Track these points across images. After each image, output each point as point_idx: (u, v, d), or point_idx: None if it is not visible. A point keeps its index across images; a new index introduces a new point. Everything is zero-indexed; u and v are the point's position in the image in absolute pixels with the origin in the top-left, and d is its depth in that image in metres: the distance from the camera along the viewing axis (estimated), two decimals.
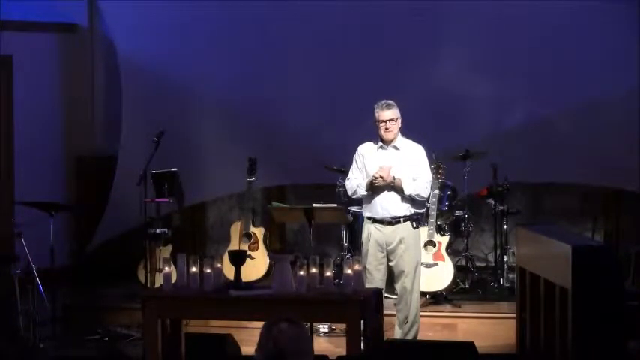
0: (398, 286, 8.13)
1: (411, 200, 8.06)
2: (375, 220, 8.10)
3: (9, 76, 10.38)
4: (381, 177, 7.97)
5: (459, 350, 7.14)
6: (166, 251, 9.59)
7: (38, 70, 11.08)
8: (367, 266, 8.05)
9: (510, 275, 9.89)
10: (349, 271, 6.88)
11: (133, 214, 9.35)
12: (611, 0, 10.37)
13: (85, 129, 11.60)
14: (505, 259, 10.17)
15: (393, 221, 8.04)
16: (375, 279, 8.04)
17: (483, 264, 10.90)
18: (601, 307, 6.78)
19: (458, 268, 9.86)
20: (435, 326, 9.14)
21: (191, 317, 7.68)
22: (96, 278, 10.86)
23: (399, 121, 8.08)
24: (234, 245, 10.18)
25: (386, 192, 8.04)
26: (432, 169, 9.60)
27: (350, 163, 8.31)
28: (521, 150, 10.71)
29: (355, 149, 8.34)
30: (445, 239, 9.62)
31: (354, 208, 10.07)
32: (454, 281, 9.66)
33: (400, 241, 8.05)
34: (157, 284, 8.96)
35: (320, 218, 8.16)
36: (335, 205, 8.37)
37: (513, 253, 9.61)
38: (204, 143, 11.12)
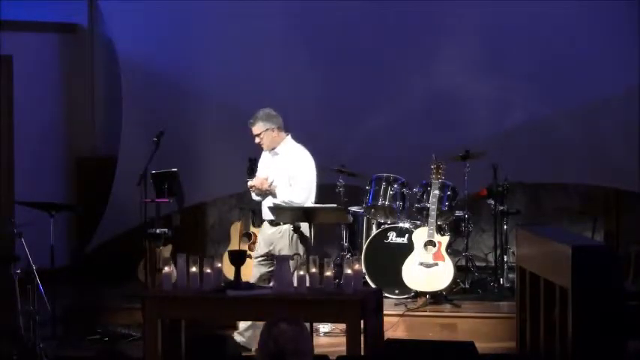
0: None
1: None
2: (268, 221, 8.34)
3: (9, 76, 10.37)
4: (254, 186, 8.26)
5: (459, 350, 7.13)
6: (166, 251, 9.57)
7: (38, 70, 11.07)
8: (254, 260, 8.31)
9: (510, 275, 9.88)
10: (349, 271, 6.88)
11: (133, 214, 9.34)
12: (611, 0, 10.37)
13: (85, 129, 11.59)
14: (505, 259, 10.16)
15: (273, 223, 8.27)
16: (255, 276, 8.17)
17: (483, 264, 10.88)
18: (601, 307, 6.78)
19: (458, 268, 9.84)
20: (435, 326, 9.13)
21: (191, 317, 7.67)
22: (96, 278, 10.85)
23: (268, 132, 8.27)
24: (234, 245, 10.18)
25: (270, 197, 8.28)
26: (431, 169, 9.62)
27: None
28: (521, 150, 10.71)
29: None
30: (445, 239, 9.60)
31: (354, 208, 10.07)
32: (454, 281, 9.64)
33: (279, 243, 8.21)
34: (157, 284, 8.95)
35: (320, 218, 8.17)
36: (335, 205, 8.37)
37: (513, 253, 9.60)
38: (204, 143, 11.11)
